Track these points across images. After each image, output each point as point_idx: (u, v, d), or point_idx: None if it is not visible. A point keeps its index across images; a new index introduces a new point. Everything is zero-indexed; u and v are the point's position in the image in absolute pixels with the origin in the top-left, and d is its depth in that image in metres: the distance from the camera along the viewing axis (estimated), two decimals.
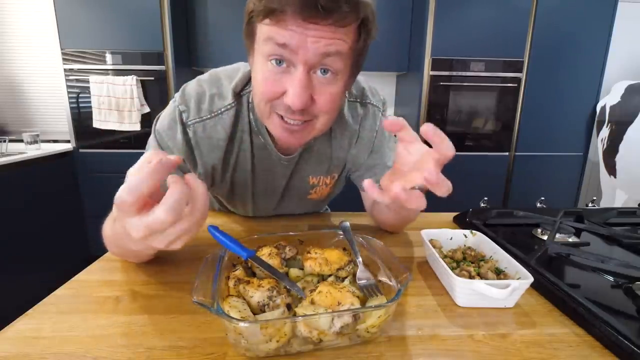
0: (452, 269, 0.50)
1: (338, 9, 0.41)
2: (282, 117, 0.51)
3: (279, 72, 0.47)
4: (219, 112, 0.60)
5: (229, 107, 0.60)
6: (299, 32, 0.42)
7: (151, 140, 0.62)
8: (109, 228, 0.49)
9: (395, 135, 0.69)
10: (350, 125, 0.67)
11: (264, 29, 0.45)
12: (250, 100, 0.61)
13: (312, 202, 0.79)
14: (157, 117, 0.63)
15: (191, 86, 0.61)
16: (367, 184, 0.38)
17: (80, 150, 2.19)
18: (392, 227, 0.72)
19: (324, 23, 0.42)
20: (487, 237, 0.59)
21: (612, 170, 2.05)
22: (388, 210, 0.64)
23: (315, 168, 0.70)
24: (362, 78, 0.70)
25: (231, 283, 0.44)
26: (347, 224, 0.56)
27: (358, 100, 0.67)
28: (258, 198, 0.74)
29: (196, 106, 0.59)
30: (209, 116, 0.59)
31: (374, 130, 0.69)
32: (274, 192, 0.73)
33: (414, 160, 0.39)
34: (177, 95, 0.61)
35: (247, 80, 0.62)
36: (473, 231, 0.62)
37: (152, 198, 0.32)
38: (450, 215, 0.84)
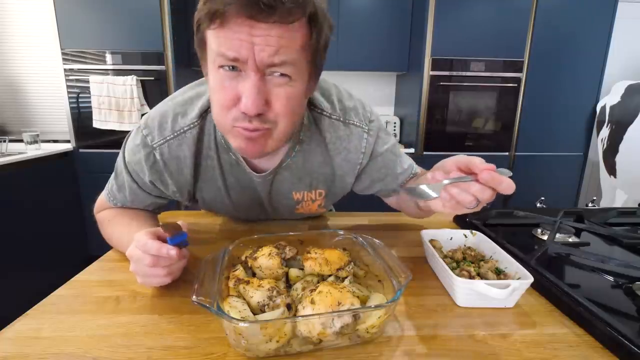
0: (452, 269, 0.50)
1: (281, 5, 0.39)
2: (243, 129, 0.49)
3: (232, 78, 0.45)
4: (182, 131, 0.58)
5: (192, 125, 0.59)
6: (245, 40, 0.41)
7: (121, 163, 0.63)
8: (115, 232, 0.64)
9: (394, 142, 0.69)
10: (330, 143, 0.63)
11: (212, 38, 0.44)
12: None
13: (304, 215, 0.76)
14: (126, 137, 0.62)
15: (156, 108, 0.61)
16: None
17: (80, 150, 2.19)
18: (417, 215, 0.74)
19: (269, 21, 0.40)
20: (487, 237, 0.59)
21: (612, 170, 2.04)
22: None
23: (297, 184, 0.67)
24: (353, 96, 0.66)
25: (231, 283, 0.44)
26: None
27: (341, 119, 0.62)
28: (244, 211, 0.72)
29: (159, 127, 0.58)
30: (172, 135, 0.58)
31: (360, 152, 0.64)
32: (259, 205, 0.71)
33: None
34: (142, 120, 0.60)
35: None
36: (473, 231, 0.62)
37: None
38: (450, 215, 0.84)
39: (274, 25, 0.41)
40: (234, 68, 0.45)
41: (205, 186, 0.65)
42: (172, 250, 0.46)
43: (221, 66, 0.45)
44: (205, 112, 0.60)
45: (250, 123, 0.47)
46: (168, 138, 0.58)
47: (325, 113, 0.62)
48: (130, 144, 0.61)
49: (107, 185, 0.68)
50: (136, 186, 0.63)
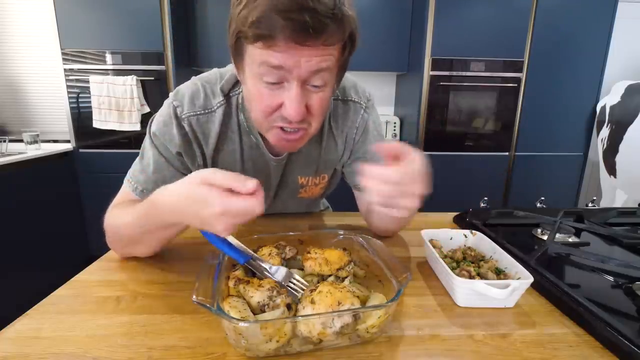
0: (452, 269, 0.50)
1: (327, 29, 0.43)
2: (281, 129, 0.53)
3: (272, 88, 0.49)
4: (212, 109, 0.62)
5: (219, 104, 0.62)
6: (292, 54, 0.44)
7: (147, 142, 0.63)
8: (129, 213, 0.53)
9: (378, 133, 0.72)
10: (332, 126, 0.68)
11: (255, 52, 0.46)
12: (239, 101, 0.64)
13: (304, 200, 0.80)
14: (151, 118, 0.64)
15: (185, 85, 0.64)
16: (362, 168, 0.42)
17: (80, 150, 2.19)
18: (386, 231, 0.72)
19: (315, 44, 0.44)
20: (487, 237, 0.59)
21: (612, 170, 2.04)
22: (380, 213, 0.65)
23: (303, 169, 0.71)
24: (349, 76, 0.70)
25: (231, 283, 0.44)
26: None
27: (339, 98, 0.68)
28: None
29: (190, 101, 0.61)
30: (202, 112, 0.61)
31: (355, 127, 0.69)
32: (267, 191, 0.74)
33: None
34: (171, 94, 0.63)
35: (235, 81, 0.64)
36: (473, 231, 0.62)
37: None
38: (450, 215, 0.84)
39: (319, 47, 0.45)
40: (274, 83, 0.48)
41: (222, 169, 0.67)
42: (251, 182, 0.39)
43: (264, 78, 0.47)
44: (229, 95, 0.63)
45: (290, 124, 0.52)
46: (198, 112, 0.61)
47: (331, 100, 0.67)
48: (159, 117, 0.62)
49: (127, 176, 0.64)
50: (163, 160, 0.62)
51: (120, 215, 0.56)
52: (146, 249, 0.58)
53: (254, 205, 0.39)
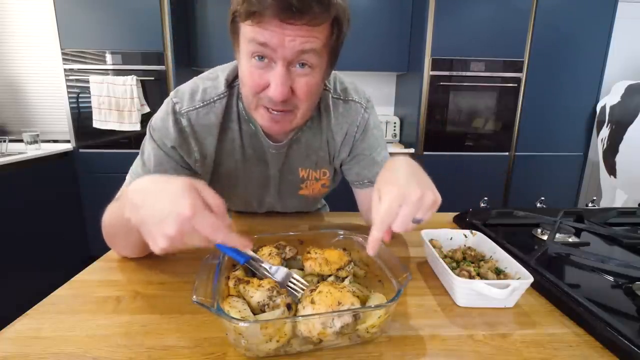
0: (452, 269, 0.50)
1: (310, 10, 0.46)
2: (267, 109, 0.55)
3: (261, 67, 0.51)
4: (212, 100, 0.63)
5: (221, 96, 0.64)
6: (277, 32, 0.47)
7: (147, 138, 0.64)
8: (115, 208, 0.54)
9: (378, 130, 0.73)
10: (332, 121, 0.70)
11: (247, 29, 0.49)
12: (239, 90, 0.65)
13: (305, 199, 0.80)
14: (152, 118, 0.66)
15: (184, 84, 0.66)
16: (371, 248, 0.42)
17: (80, 150, 2.19)
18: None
19: (299, 23, 0.46)
20: (487, 237, 0.59)
21: (612, 170, 2.04)
22: None
23: (304, 160, 0.72)
24: (349, 79, 0.73)
25: (231, 283, 0.44)
26: None
27: (341, 98, 0.70)
28: (251, 189, 0.75)
29: (189, 97, 0.63)
30: (201, 105, 0.63)
31: (355, 125, 0.71)
32: (267, 184, 0.74)
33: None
34: (171, 93, 0.65)
35: (237, 72, 0.65)
36: (473, 231, 0.62)
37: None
38: (450, 215, 0.84)
39: (303, 27, 0.47)
40: (262, 58, 0.50)
41: (224, 160, 0.68)
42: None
43: (253, 55, 0.50)
44: (232, 84, 0.65)
45: (275, 105, 0.54)
46: (197, 106, 0.63)
47: (329, 90, 0.69)
48: (157, 114, 0.64)
49: (128, 175, 0.65)
50: (162, 153, 0.62)
51: (108, 208, 0.55)
52: (124, 250, 0.60)
53: (221, 226, 0.36)
